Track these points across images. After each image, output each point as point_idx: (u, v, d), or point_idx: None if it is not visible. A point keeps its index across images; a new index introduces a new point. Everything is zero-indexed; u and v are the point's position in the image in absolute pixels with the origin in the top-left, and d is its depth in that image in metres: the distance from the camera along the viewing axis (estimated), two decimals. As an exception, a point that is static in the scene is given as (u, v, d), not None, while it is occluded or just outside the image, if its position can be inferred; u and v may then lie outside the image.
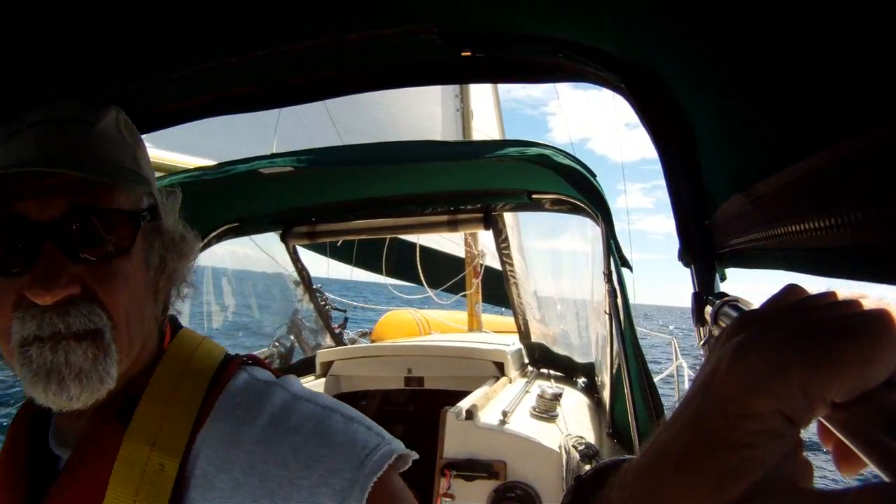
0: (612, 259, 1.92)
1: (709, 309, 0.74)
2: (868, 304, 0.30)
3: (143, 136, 0.78)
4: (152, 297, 0.72)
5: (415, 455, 0.74)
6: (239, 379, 0.73)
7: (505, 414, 2.22)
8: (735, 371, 0.29)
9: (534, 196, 2.41)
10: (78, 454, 0.67)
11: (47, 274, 0.59)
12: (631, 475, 0.34)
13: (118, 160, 0.68)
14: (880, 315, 0.28)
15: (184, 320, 0.85)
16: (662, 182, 0.88)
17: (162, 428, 0.66)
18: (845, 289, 0.34)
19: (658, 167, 0.87)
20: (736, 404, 0.29)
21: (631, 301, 1.87)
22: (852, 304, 0.31)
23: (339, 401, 0.75)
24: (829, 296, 0.32)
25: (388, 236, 4.73)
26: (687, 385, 3.83)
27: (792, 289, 0.34)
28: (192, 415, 0.68)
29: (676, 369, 4.38)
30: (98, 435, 0.67)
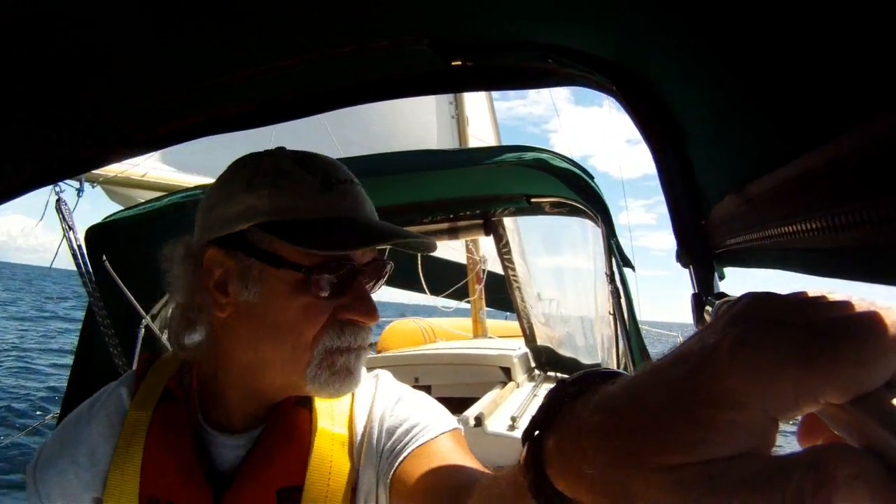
0: (613, 259, 1.91)
1: (709, 309, 0.74)
2: (868, 306, 0.30)
3: (140, 158, 0.80)
4: None
5: (458, 425, 0.90)
6: (381, 373, 1.02)
7: (514, 419, 2.21)
8: (732, 358, 0.29)
9: (533, 200, 2.41)
10: (272, 433, 0.85)
11: (373, 302, 0.84)
12: (606, 405, 0.35)
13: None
14: (876, 317, 0.28)
15: None
16: (664, 198, 0.87)
17: (332, 410, 0.89)
18: (844, 289, 0.34)
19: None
20: (725, 391, 0.29)
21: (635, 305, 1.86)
22: (850, 306, 0.30)
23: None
24: (831, 299, 0.32)
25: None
26: None
27: (800, 292, 0.34)
28: (346, 405, 0.91)
29: None
30: (292, 416, 0.86)
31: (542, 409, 0.41)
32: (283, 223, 0.80)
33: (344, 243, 0.79)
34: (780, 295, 0.33)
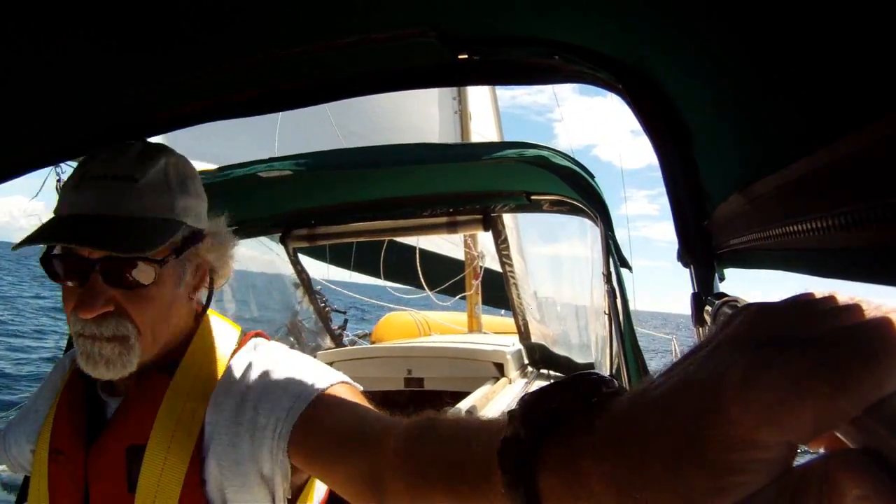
0: (611, 260, 1.92)
1: (708, 309, 0.74)
2: (875, 310, 0.29)
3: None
4: (185, 301, 0.96)
5: (344, 377, 0.94)
6: (248, 346, 0.98)
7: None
8: (745, 398, 0.28)
9: (532, 197, 2.41)
10: (131, 398, 0.93)
11: (89, 296, 0.84)
12: (612, 446, 0.33)
13: (152, 218, 0.88)
14: (887, 323, 0.27)
15: None
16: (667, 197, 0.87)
17: (196, 380, 0.91)
18: (844, 290, 0.34)
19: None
20: (741, 431, 0.28)
21: (632, 306, 1.86)
22: (855, 310, 0.29)
23: (307, 355, 1.01)
24: (835, 305, 0.30)
25: (387, 239, 4.73)
26: None
27: (801, 297, 0.32)
28: (217, 373, 0.92)
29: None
30: (148, 385, 0.92)
31: (530, 425, 0.39)
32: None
33: (34, 238, 0.85)
34: (779, 305, 0.31)
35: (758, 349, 0.29)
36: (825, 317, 0.29)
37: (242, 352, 0.97)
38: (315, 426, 0.83)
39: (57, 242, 0.87)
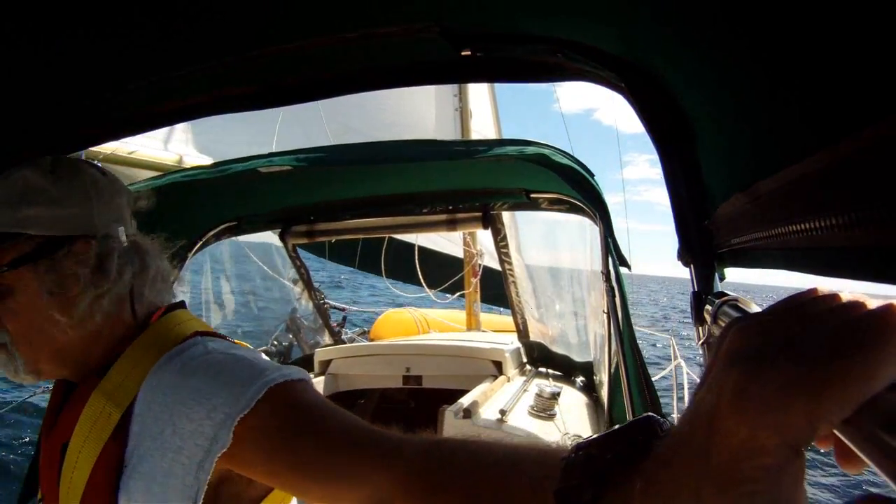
0: (610, 258, 1.92)
1: (708, 308, 0.74)
2: (867, 305, 0.30)
3: (144, 135, 0.80)
4: (68, 311, 0.91)
5: (301, 374, 0.86)
6: (187, 344, 0.91)
7: (503, 412, 2.22)
8: (739, 408, 0.30)
9: (532, 195, 2.41)
10: (71, 400, 0.93)
11: None
12: (653, 484, 0.35)
13: None
14: (879, 322, 0.28)
15: None
16: (668, 196, 0.87)
17: (121, 385, 0.88)
18: (846, 289, 0.34)
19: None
20: (741, 440, 0.29)
21: (633, 275, 1.86)
22: (849, 310, 0.30)
23: (255, 351, 0.95)
24: (824, 300, 0.32)
25: (387, 236, 4.73)
26: (685, 384, 3.84)
27: (781, 305, 0.34)
28: (141, 379, 0.87)
29: (675, 369, 4.38)
30: (83, 389, 0.92)
31: (590, 478, 0.41)
32: None
33: None
34: (762, 315, 0.33)
35: (746, 361, 0.30)
36: (806, 321, 0.31)
37: (172, 354, 0.89)
38: (272, 435, 0.78)
39: None
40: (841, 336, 0.28)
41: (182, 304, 1.05)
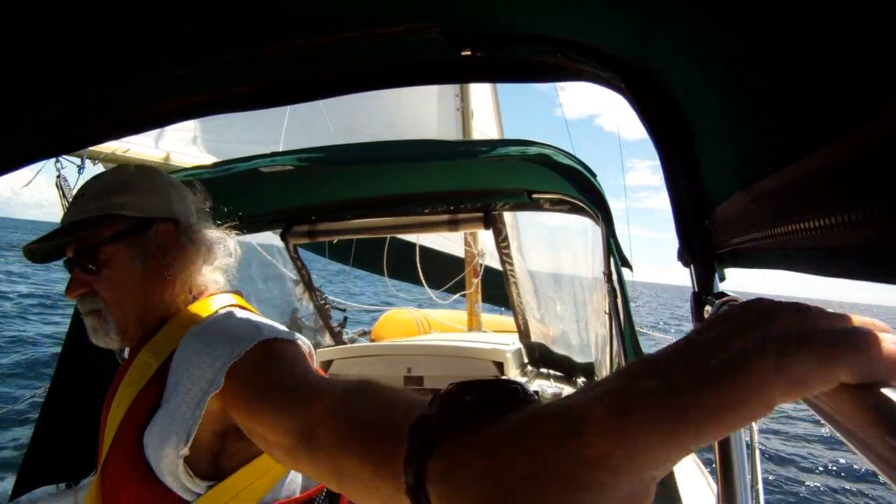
0: (612, 259, 1.91)
1: (708, 309, 0.74)
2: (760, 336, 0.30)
3: (144, 134, 0.80)
4: (152, 281, 1.12)
5: (292, 337, 1.00)
6: (218, 312, 1.11)
7: None
8: (606, 424, 0.31)
9: (534, 196, 2.41)
10: (127, 361, 1.11)
11: (71, 283, 1.10)
12: (494, 448, 0.36)
13: (82, 220, 1.10)
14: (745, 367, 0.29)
15: None
16: (668, 196, 0.87)
17: (164, 342, 1.06)
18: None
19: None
20: (596, 453, 0.31)
21: (632, 281, 1.85)
22: (734, 344, 0.31)
23: (264, 318, 1.08)
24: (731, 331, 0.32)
25: (388, 236, 4.73)
26: None
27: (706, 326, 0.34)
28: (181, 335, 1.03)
29: None
30: (137, 348, 1.10)
31: (445, 411, 0.42)
32: None
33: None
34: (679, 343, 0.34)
35: (632, 384, 0.32)
36: (694, 359, 0.31)
37: (206, 319, 1.07)
38: (250, 375, 0.90)
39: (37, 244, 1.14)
40: (710, 375, 0.29)
41: (237, 292, 1.23)
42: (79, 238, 1.09)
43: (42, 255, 1.17)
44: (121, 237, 1.10)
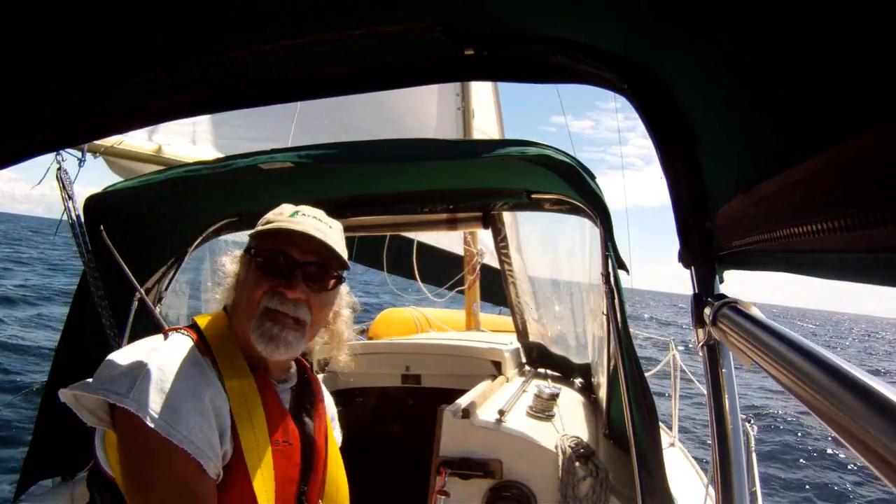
0: (609, 261, 1.91)
1: (707, 310, 0.74)
2: None
3: (147, 129, 0.80)
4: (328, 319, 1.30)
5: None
6: None
7: (502, 413, 2.22)
8: None
9: (533, 196, 2.41)
10: (307, 386, 1.34)
11: (293, 283, 1.16)
12: None
13: (340, 251, 1.22)
14: None
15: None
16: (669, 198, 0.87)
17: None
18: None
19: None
20: None
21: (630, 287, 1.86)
22: None
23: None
24: None
25: (388, 233, 4.72)
26: (679, 382, 3.83)
27: None
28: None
29: (674, 369, 4.37)
30: (312, 379, 1.36)
31: None
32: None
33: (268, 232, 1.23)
34: None
35: None
36: None
37: None
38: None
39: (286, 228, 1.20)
40: None
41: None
42: (325, 259, 1.21)
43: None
44: (337, 284, 1.26)
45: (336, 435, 1.35)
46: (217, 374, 1.12)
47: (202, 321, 1.23)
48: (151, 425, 0.97)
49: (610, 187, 1.90)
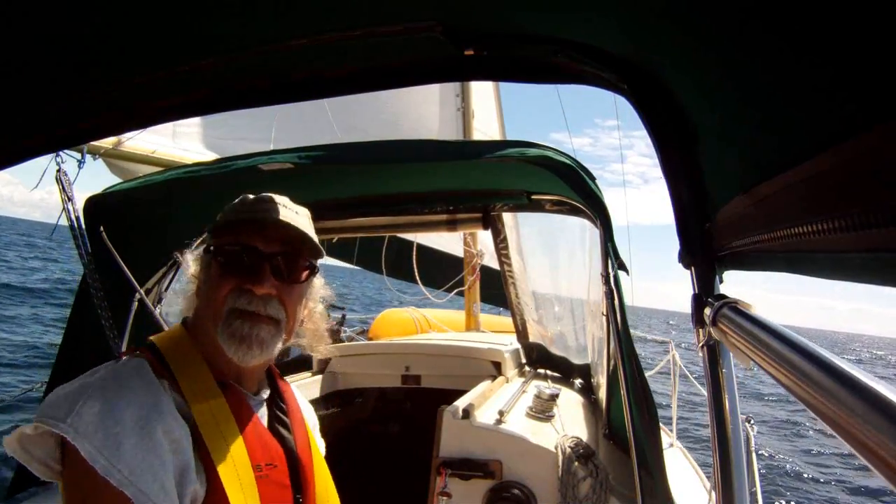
0: (609, 262, 1.91)
1: (707, 311, 0.74)
2: None
3: (148, 130, 0.80)
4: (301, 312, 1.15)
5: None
6: None
7: (501, 413, 2.22)
8: None
9: (533, 197, 2.41)
10: (280, 396, 1.19)
11: (260, 279, 1.03)
12: None
13: (312, 237, 1.12)
14: None
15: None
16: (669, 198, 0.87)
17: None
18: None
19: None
20: None
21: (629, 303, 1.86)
22: None
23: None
24: None
25: (388, 234, 4.73)
26: (678, 382, 3.83)
27: None
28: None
29: (673, 369, 4.37)
30: (284, 387, 1.22)
31: None
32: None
33: (231, 222, 1.12)
34: None
35: None
36: None
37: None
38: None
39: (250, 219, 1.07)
40: None
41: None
42: (295, 247, 1.10)
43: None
44: (312, 273, 1.15)
45: (319, 444, 1.20)
46: (177, 399, 0.96)
47: (158, 339, 1.07)
48: (89, 461, 0.82)
49: (609, 205, 1.91)
